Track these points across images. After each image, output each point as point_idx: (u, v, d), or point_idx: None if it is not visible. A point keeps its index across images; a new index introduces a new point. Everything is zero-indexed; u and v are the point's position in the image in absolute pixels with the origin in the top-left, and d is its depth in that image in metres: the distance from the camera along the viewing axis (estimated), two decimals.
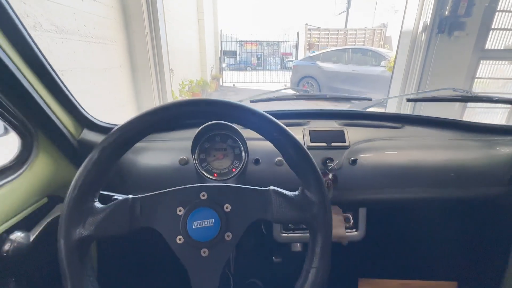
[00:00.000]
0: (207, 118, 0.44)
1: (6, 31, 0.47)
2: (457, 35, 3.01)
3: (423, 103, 3.09)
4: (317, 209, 0.43)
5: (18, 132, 0.54)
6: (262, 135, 0.46)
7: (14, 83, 0.49)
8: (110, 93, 2.82)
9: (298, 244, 1.03)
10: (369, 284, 1.10)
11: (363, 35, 10.18)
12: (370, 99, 0.91)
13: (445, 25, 3.05)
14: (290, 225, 0.86)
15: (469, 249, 1.05)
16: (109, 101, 2.81)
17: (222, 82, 10.01)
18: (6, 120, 0.51)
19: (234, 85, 10.21)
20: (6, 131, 0.54)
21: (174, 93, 4.36)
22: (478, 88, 3.27)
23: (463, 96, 0.83)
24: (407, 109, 3.32)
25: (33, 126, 0.56)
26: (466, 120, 0.88)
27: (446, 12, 2.99)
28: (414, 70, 3.29)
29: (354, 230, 0.86)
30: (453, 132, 0.86)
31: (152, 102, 3.38)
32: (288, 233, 0.85)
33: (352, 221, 0.86)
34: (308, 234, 0.83)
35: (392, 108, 3.34)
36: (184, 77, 5.48)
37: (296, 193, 0.45)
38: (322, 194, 0.43)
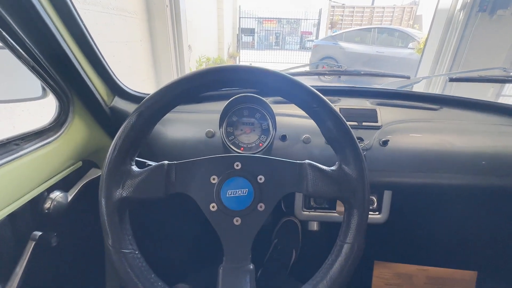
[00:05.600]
0: (243, 86, 0.43)
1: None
2: (500, 14, 2.73)
3: (453, 87, 2.89)
4: (356, 184, 0.42)
5: (56, 95, 0.55)
6: (299, 106, 0.44)
7: (55, 47, 0.50)
8: (131, 67, 2.83)
9: (315, 223, 1.04)
10: (385, 267, 1.09)
11: (391, 14, 9.50)
12: (408, 77, 0.85)
13: (487, 2, 2.77)
14: (312, 203, 0.86)
15: (493, 239, 1.02)
16: (130, 76, 2.83)
17: (239, 61, 9.81)
18: (46, 82, 0.52)
19: (251, 64, 9.99)
20: (44, 94, 0.55)
21: (192, 71, 4.32)
22: None
23: None
24: (435, 91, 3.14)
25: (70, 90, 0.57)
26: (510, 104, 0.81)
27: None
28: (446, 52, 3.06)
29: (377, 212, 0.84)
30: (496, 117, 0.80)
31: (171, 78, 3.37)
32: (309, 211, 0.85)
33: (376, 203, 0.84)
34: (329, 213, 0.83)
35: (419, 89, 3.16)
36: (201, 54, 5.40)
37: (334, 168, 0.44)
38: (361, 169, 0.42)
